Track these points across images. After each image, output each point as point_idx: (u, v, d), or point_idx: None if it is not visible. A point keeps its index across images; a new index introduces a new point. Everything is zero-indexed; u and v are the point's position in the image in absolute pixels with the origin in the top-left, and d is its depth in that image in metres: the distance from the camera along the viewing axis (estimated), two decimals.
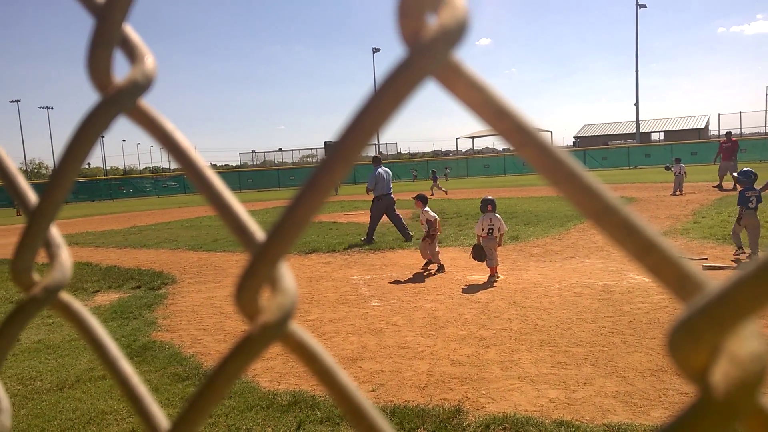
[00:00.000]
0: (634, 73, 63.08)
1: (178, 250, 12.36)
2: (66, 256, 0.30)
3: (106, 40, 0.22)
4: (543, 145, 0.17)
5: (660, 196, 18.41)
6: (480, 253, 7.52)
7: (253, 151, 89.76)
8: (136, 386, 0.27)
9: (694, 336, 0.16)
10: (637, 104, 63.59)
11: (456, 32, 0.16)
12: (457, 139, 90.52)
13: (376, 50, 77.07)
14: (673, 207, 14.85)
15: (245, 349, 0.18)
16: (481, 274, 7.78)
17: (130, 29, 0.24)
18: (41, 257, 0.32)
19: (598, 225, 0.16)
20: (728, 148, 19.39)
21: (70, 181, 0.26)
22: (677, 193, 18.38)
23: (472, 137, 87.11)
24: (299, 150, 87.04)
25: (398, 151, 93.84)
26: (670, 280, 0.17)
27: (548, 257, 9.03)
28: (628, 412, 3.68)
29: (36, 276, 0.31)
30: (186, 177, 0.23)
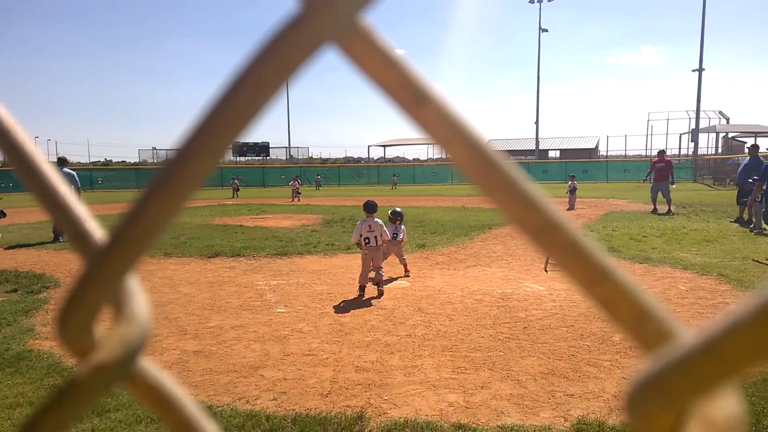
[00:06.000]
0: (536, 93, 66.58)
1: (63, 251, 11.45)
2: None
3: None
4: (474, 142, 0.13)
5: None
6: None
7: (154, 148, 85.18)
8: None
9: (665, 396, 0.12)
10: (537, 123, 67.16)
11: None
12: (369, 146, 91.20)
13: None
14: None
15: (70, 400, 0.13)
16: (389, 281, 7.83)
17: None
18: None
19: (537, 243, 0.13)
20: (662, 168, 17.35)
21: None
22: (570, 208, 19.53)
23: (384, 145, 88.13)
24: None
25: (309, 155, 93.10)
26: (625, 317, 0.13)
27: (452, 265, 9.27)
28: (521, 413, 3.83)
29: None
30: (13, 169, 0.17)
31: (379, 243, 7.32)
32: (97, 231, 0.15)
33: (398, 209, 8.83)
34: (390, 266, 8.62)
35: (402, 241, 8.52)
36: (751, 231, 12.10)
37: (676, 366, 0.12)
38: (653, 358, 0.13)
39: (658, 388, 0.12)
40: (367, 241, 7.32)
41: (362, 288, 7.26)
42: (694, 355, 0.12)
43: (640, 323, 0.13)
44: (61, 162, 13.66)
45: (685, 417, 0.12)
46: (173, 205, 0.13)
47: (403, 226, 8.60)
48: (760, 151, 14.51)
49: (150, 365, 0.15)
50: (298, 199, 28.98)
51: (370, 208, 7.53)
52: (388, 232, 7.55)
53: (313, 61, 0.12)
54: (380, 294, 7.25)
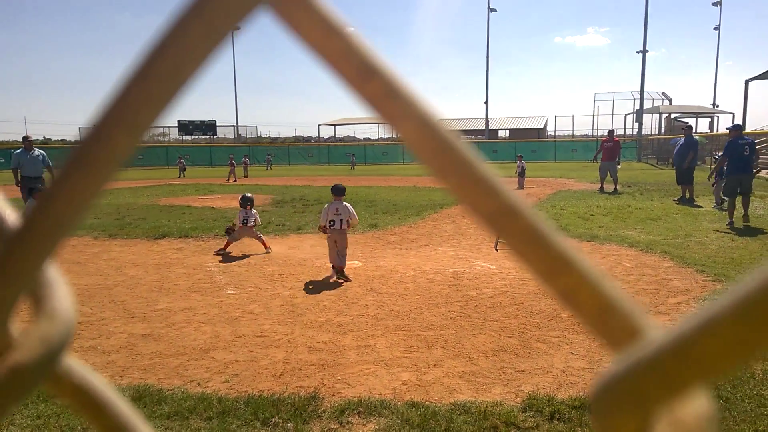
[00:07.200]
0: (485, 73, 67.07)
1: None
2: None
3: None
4: (425, 119, 0.12)
5: None
6: None
7: None
8: None
9: (634, 397, 0.11)
10: (486, 103, 67.85)
11: None
12: (319, 125, 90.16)
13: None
14: None
15: None
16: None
17: None
18: None
19: (492, 229, 0.12)
20: (610, 148, 18.17)
21: None
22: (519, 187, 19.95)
23: (334, 124, 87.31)
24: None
25: (258, 134, 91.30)
26: (588, 311, 0.12)
27: (404, 245, 9.34)
28: (473, 390, 3.92)
29: None
30: None
31: (344, 226, 7.18)
32: (10, 217, 0.14)
33: (248, 194, 9.26)
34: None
35: (254, 226, 8.97)
36: (717, 208, 12.58)
37: (647, 366, 0.11)
38: (621, 355, 0.12)
39: (626, 388, 0.11)
40: (332, 223, 7.19)
41: (336, 269, 7.12)
42: (666, 355, 0.11)
43: (604, 318, 0.12)
44: (27, 142, 11.47)
45: (654, 418, 0.12)
46: (90, 188, 0.11)
47: (254, 211, 9.11)
48: (697, 131, 15.24)
49: (76, 364, 0.13)
50: (234, 179, 27.81)
51: (338, 191, 7.37)
52: (356, 216, 7.44)
53: (245, 27, 0.11)
54: (339, 277, 7.15)
